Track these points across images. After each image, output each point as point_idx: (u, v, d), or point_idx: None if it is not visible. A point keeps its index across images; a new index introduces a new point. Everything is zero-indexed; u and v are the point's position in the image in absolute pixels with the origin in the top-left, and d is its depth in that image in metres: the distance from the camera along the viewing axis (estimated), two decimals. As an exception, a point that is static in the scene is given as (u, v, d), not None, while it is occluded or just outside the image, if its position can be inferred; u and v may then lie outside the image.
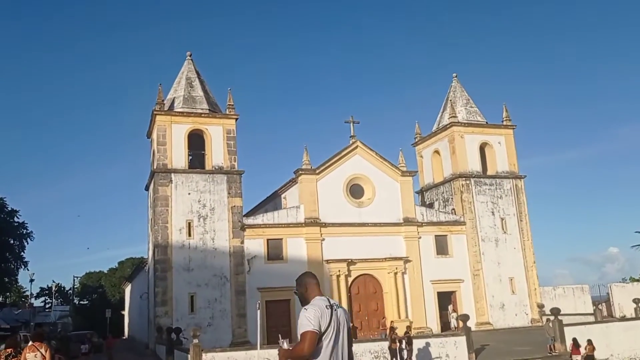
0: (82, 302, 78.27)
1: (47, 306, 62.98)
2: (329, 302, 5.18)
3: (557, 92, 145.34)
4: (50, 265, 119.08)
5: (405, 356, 19.82)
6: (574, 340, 21.78)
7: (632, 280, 43.69)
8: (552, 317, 23.50)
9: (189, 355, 18.79)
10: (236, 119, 34.40)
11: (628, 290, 39.18)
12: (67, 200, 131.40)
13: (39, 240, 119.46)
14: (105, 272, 78.26)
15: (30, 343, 11.45)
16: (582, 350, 21.39)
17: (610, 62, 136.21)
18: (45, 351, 10.97)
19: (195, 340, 18.91)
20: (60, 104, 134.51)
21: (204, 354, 18.93)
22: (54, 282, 64.77)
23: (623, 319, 30.02)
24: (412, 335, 22.08)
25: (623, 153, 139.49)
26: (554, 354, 22.78)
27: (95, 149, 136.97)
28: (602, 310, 35.39)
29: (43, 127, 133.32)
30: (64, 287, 74.07)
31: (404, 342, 20.78)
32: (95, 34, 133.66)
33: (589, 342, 21.50)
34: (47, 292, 69.87)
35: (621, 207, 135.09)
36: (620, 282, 42.97)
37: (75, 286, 72.59)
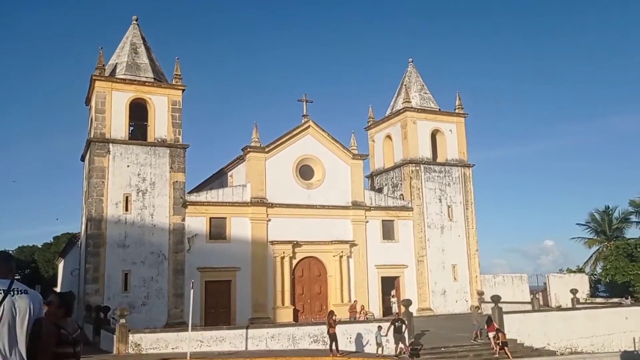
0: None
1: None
2: (9, 286, 4.21)
3: (510, 86, 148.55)
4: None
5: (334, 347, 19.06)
6: (489, 318, 22.73)
7: (569, 271, 45.00)
8: (477, 305, 23.64)
9: (115, 336, 17.49)
10: (183, 90, 32.72)
11: (565, 281, 40.27)
12: (4, 171, 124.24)
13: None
14: (40, 246, 74.50)
15: None
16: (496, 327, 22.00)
17: (566, 58, 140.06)
18: None
19: (122, 320, 17.63)
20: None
21: (131, 335, 17.69)
22: (-19, 254, 60.55)
23: (560, 308, 30.65)
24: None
25: (563, 149, 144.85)
26: (479, 340, 22.75)
27: (34, 118, 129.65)
28: (539, 299, 36.08)
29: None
30: (-8, 261, 69.94)
31: (397, 324, 20.43)
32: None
33: (499, 330, 21.60)
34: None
35: (557, 201, 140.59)
36: (557, 272, 44.08)
37: (5, 260, 68.79)
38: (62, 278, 54.34)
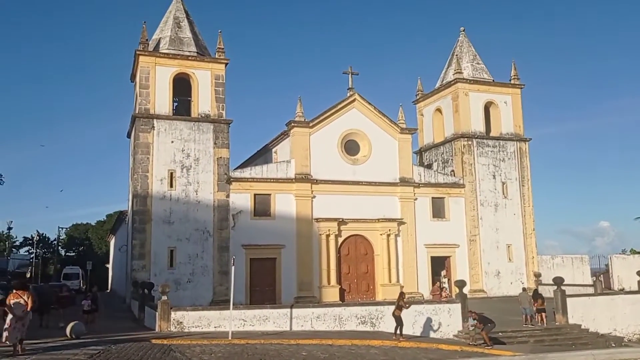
0: (68, 254, 76.91)
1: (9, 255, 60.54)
2: None
3: (571, 52, 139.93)
4: (44, 218, 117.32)
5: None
6: (535, 292, 22.77)
7: (633, 252, 42.23)
8: (528, 288, 22.07)
9: (157, 313, 17.04)
10: (226, 64, 32.01)
11: (629, 263, 37.75)
12: (56, 153, 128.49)
13: (33, 196, 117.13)
14: (93, 224, 76.67)
15: (14, 291, 12.82)
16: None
17: (632, 20, 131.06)
18: (28, 298, 12.62)
19: (164, 297, 17.14)
20: (35, 49, 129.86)
21: (172, 312, 17.20)
22: (37, 231, 62.71)
23: (626, 291, 28.51)
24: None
25: (624, 126, 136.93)
26: (529, 325, 21.15)
27: (81, 97, 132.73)
28: (602, 282, 33.87)
29: (24, 77, 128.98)
30: (48, 238, 72.41)
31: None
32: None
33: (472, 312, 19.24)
34: (30, 241, 68.14)
35: (614, 180, 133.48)
36: (620, 253, 41.43)
37: (61, 237, 71.04)
38: (113, 255, 55.53)
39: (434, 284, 34.02)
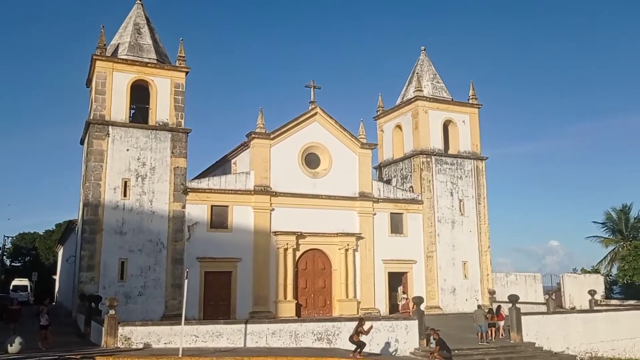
0: (14, 264, 73.39)
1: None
2: None
3: (526, 78, 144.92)
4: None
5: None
6: (498, 307, 23.98)
7: (584, 271, 43.32)
8: (483, 305, 22.49)
9: (103, 328, 16.17)
10: (186, 73, 31.34)
11: (580, 282, 38.70)
12: (3, 157, 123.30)
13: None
14: (41, 233, 73.48)
15: None
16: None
17: (585, 54, 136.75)
18: None
19: (112, 311, 16.28)
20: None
21: (120, 327, 16.35)
22: (-20, 240, 59.60)
23: (578, 310, 29.14)
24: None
25: (574, 148, 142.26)
26: (485, 342, 21.32)
27: (35, 102, 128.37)
28: (554, 300, 34.53)
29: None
30: (-8, 247, 68.91)
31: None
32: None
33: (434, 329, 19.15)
34: (-27, 250, 64.68)
35: (564, 201, 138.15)
36: (571, 272, 42.47)
37: (6, 246, 67.80)
38: (60, 265, 53.28)
39: (390, 300, 33.97)
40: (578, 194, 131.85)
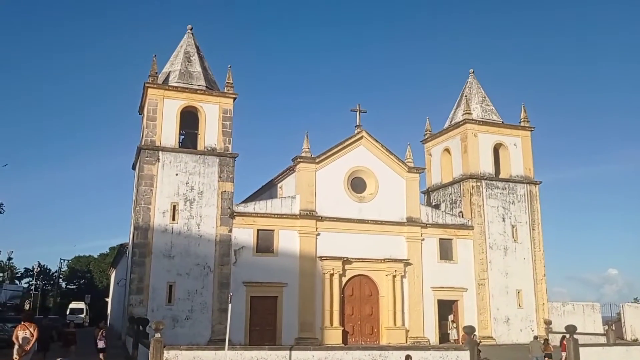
0: (69, 287, 75.89)
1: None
2: None
3: (579, 101, 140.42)
4: (46, 250, 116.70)
5: None
6: (563, 337, 21.82)
7: (647, 301, 40.82)
8: (539, 336, 21.17)
9: (150, 351, 16.21)
10: (234, 99, 31.91)
11: (642, 312, 36.39)
12: (62, 184, 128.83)
13: (44, 229, 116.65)
14: (96, 257, 75.91)
15: (22, 323, 13.58)
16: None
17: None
18: (34, 330, 13.37)
19: (158, 335, 16.32)
20: (49, 84, 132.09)
21: (165, 351, 16.34)
22: (38, 263, 62.10)
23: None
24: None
25: (632, 173, 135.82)
26: None
27: (90, 128, 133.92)
28: (613, 331, 32.54)
29: (41, 110, 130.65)
30: (49, 269, 71.59)
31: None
32: (92, 5, 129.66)
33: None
34: (31, 272, 67.36)
35: (624, 227, 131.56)
36: (632, 302, 40.05)
37: (62, 269, 70.27)
38: (112, 288, 54.62)
39: (440, 328, 32.88)
40: (638, 220, 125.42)
